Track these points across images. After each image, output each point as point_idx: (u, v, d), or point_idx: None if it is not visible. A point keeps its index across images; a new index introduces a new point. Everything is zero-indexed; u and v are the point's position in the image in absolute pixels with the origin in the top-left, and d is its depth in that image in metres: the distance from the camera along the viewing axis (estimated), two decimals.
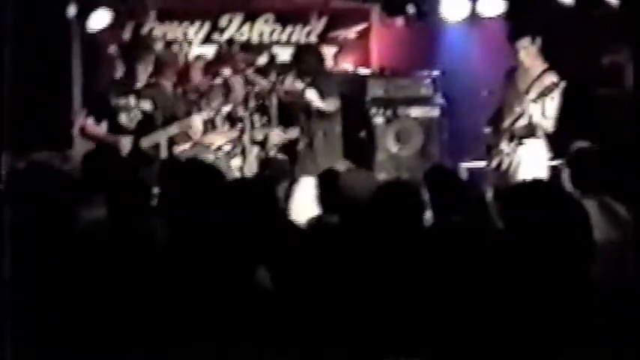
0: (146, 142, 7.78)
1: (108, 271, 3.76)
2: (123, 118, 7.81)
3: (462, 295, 3.21)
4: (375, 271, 3.65)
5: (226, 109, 8.68)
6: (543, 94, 7.27)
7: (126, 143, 7.64)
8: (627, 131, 8.28)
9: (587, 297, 3.10)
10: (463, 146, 9.52)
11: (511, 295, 3.12)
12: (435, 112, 9.73)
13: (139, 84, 7.90)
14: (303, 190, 7.56)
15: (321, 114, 8.43)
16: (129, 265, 3.77)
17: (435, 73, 9.85)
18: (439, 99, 9.75)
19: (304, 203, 6.89)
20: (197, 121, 8.31)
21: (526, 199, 3.29)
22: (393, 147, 9.62)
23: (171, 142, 8.14)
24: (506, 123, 7.55)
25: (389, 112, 9.65)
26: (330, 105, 8.42)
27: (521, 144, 7.47)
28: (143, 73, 7.93)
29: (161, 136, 7.89)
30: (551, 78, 7.40)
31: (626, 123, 8.45)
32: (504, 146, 7.54)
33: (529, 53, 7.56)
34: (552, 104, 7.35)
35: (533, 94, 7.35)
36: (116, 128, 7.74)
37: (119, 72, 8.77)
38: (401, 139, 9.65)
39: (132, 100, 7.86)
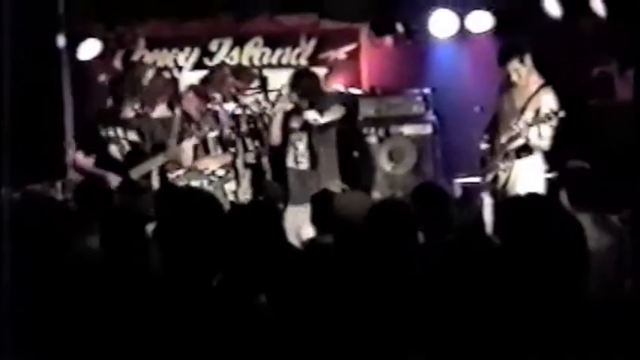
0: (135, 173, 7.80)
1: (102, 301, 3.75)
2: (113, 150, 7.84)
3: (457, 312, 3.21)
4: (370, 290, 3.65)
5: (214, 133, 8.64)
6: (541, 121, 7.27)
7: (113, 178, 7.66)
8: (619, 141, 8.31)
9: (583, 309, 3.10)
10: (456, 163, 9.53)
11: (507, 310, 3.12)
12: (427, 130, 9.73)
13: (126, 114, 7.95)
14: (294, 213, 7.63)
15: (322, 131, 8.38)
16: (123, 295, 3.77)
17: (426, 90, 9.86)
18: (431, 116, 9.76)
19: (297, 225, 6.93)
20: (187, 147, 8.31)
21: (521, 213, 3.29)
22: (387, 166, 9.62)
23: (163, 170, 8.15)
24: (503, 139, 7.55)
25: (381, 131, 9.65)
26: (331, 115, 8.40)
27: (519, 157, 7.47)
28: (129, 104, 7.97)
29: (150, 166, 7.91)
30: (547, 96, 7.40)
31: (618, 133, 8.49)
32: (500, 162, 7.54)
33: (520, 74, 7.57)
34: (549, 128, 7.35)
35: (529, 114, 7.35)
36: (105, 160, 7.77)
37: (110, 101, 8.82)
38: (394, 157, 9.64)
39: (119, 131, 7.90)
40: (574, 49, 8.98)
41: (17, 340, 3.61)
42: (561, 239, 3.20)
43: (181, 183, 8.45)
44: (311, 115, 8.34)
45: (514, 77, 7.58)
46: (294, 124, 8.46)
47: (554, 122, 7.24)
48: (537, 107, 7.35)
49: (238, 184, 8.69)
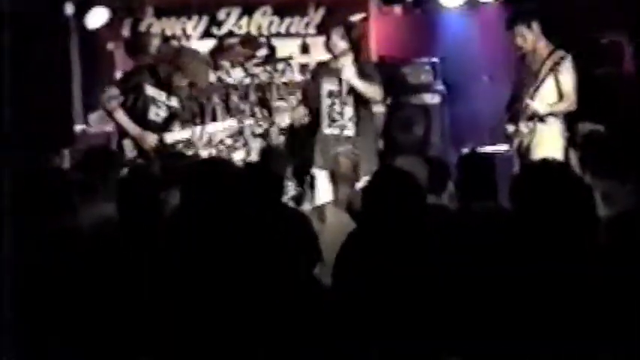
0: (170, 138, 7.82)
1: (118, 269, 3.76)
2: (152, 112, 7.84)
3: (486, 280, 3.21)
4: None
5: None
6: (552, 70, 7.29)
7: (151, 139, 7.68)
8: (629, 110, 8.28)
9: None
10: (465, 132, 9.51)
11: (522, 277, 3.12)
12: (436, 99, 9.71)
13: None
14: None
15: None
16: (139, 262, 3.77)
17: (435, 59, 9.83)
18: (440, 86, 9.73)
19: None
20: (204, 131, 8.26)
21: (533, 181, 3.29)
22: (396, 135, 9.59)
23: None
24: (525, 103, 7.54)
25: (390, 101, 9.61)
26: (377, 92, 7.78)
27: (541, 121, 7.44)
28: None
29: (182, 135, 7.92)
30: (558, 55, 7.41)
31: (626, 101, 8.45)
32: (523, 127, 7.51)
33: (526, 39, 7.55)
34: (566, 80, 7.36)
35: (543, 73, 7.37)
36: (143, 120, 7.76)
37: (118, 70, 8.80)
38: (403, 127, 9.63)
39: (163, 96, 7.89)
40: (583, 17, 8.92)
41: (24, 313, 3.61)
42: (571, 206, 3.20)
43: (189, 152, 8.45)
44: (348, 73, 7.58)
45: (519, 42, 7.56)
46: (334, 85, 7.78)
47: (565, 69, 7.28)
48: (553, 71, 7.37)
49: (247, 153, 8.68)
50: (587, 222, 3.21)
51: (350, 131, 7.69)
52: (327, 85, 7.76)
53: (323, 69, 7.97)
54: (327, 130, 7.77)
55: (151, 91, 7.85)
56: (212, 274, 3.61)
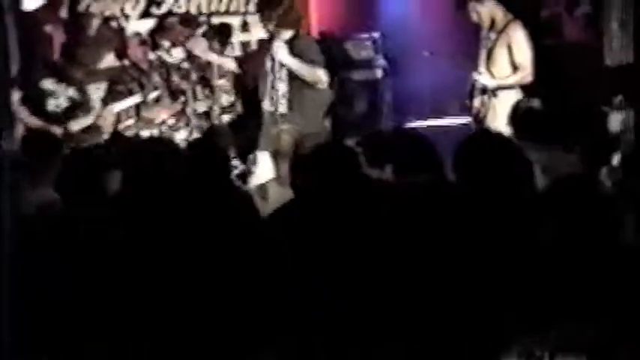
0: (75, 126, 7.85)
1: (61, 253, 3.73)
2: (50, 104, 7.87)
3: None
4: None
5: (155, 94, 8.59)
6: (503, 39, 7.35)
7: (55, 129, 7.68)
8: (568, 82, 8.37)
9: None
10: (407, 107, 9.55)
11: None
12: (377, 74, 9.73)
13: (79, 68, 7.94)
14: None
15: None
16: (82, 247, 3.75)
17: (376, 35, 9.84)
18: (381, 61, 9.75)
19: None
20: (110, 112, 8.26)
21: (472, 153, 3.33)
22: (339, 110, 9.59)
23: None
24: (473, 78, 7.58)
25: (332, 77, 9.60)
26: (321, 76, 7.52)
27: (494, 95, 7.46)
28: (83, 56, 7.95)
29: (84, 122, 7.96)
30: (517, 33, 7.42)
31: (566, 73, 8.54)
32: (476, 102, 7.55)
33: (481, 15, 7.55)
34: (519, 49, 7.38)
35: (501, 50, 7.40)
36: (41, 113, 7.82)
37: (57, 53, 8.72)
38: (345, 102, 9.63)
39: (62, 87, 7.91)
40: None
41: None
42: (507, 176, 3.24)
43: (130, 133, 8.41)
44: (281, 53, 7.43)
45: (475, 18, 7.59)
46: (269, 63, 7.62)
47: (516, 39, 7.35)
48: (507, 42, 7.40)
49: (190, 132, 8.66)
50: (523, 192, 3.26)
51: (283, 108, 7.62)
52: (270, 61, 7.71)
53: (264, 46, 7.93)
54: (265, 107, 7.73)
55: (47, 84, 7.90)
56: (158, 257, 3.60)
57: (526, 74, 7.41)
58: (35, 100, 7.88)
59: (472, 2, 7.56)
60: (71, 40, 8.96)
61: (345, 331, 3.27)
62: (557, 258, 3.07)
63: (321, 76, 7.50)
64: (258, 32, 9.33)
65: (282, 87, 7.56)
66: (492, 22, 7.55)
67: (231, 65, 8.12)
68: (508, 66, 7.43)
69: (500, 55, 7.44)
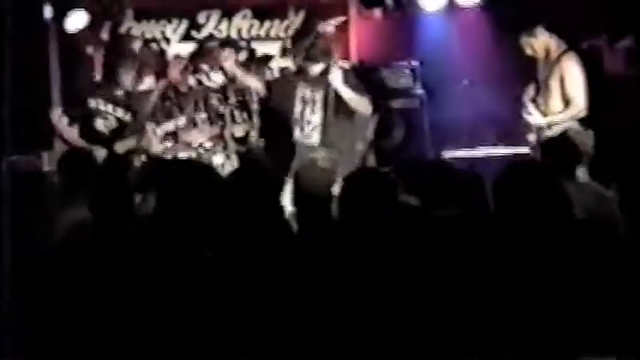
0: (121, 148, 7.83)
1: (93, 274, 3.74)
2: (99, 124, 7.86)
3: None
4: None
5: (202, 116, 8.59)
6: (556, 71, 7.33)
7: (99, 151, 7.68)
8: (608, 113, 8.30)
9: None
10: (445, 136, 9.52)
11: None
12: (415, 103, 9.71)
13: (121, 90, 7.94)
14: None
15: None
16: (113, 266, 3.76)
17: (414, 63, 9.84)
18: (419, 89, 9.74)
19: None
20: (155, 134, 8.23)
21: (509, 178, 3.31)
22: (376, 139, 9.58)
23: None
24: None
25: None
26: (367, 104, 7.64)
27: (550, 130, 7.38)
28: (126, 79, 7.94)
29: (131, 144, 7.94)
30: (569, 62, 7.37)
31: (607, 103, 8.48)
32: (532, 135, 7.51)
33: (534, 47, 7.55)
34: (571, 82, 7.32)
35: (555, 83, 7.35)
36: (90, 133, 7.81)
37: (98, 74, 8.78)
38: (383, 131, 9.61)
39: (109, 107, 7.91)
40: (562, 22, 8.95)
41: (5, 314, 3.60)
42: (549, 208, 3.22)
43: (168, 155, 8.44)
44: (334, 75, 7.45)
45: (528, 51, 7.58)
46: (308, 92, 7.74)
47: (569, 71, 7.34)
48: (560, 75, 7.35)
49: (227, 157, 8.67)
50: (562, 225, 3.23)
51: (315, 139, 7.68)
52: (302, 91, 7.73)
53: (299, 73, 7.95)
54: (296, 137, 7.79)
55: (95, 103, 7.90)
56: (193, 280, 3.60)
57: (578, 110, 7.29)
58: (84, 120, 7.88)
59: (525, 36, 7.54)
60: (112, 61, 9.01)
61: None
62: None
63: (368, 103, 7.53)
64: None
65: (316, 118, 7.60)
66: (547, 54, 7.52)
67: (256, 85, 8.13)
68: (561, 99, 7.34)
69: (555, 88, 7.37)
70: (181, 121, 8.44)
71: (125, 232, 4.08)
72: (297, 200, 4.73)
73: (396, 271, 3.46)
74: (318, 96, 7.64)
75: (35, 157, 8.52)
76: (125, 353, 3.49)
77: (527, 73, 7.86)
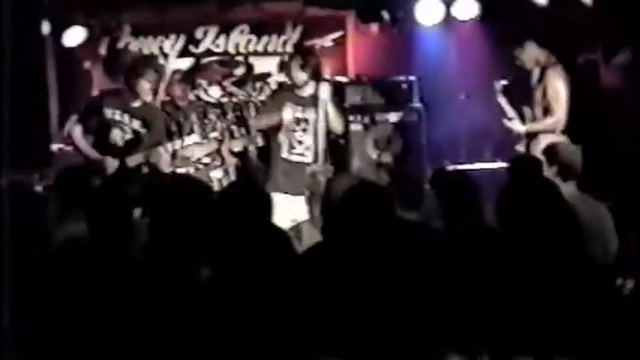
0: (132, 161, 7.78)
1: (89, 289, 3.74)
2: (115, 134, 7.82)
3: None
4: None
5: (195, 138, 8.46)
6: (540, 82, 7.39)
7: (110, 163, 7.65)
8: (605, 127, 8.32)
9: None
10: (442, 150, 9.53)
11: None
12: (412, 117, 9.72)
13: (139, 101, 7.88)
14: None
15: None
16: (109, 281, 3.75)
17: (412, 77, 9.85)
18: (416, 104, 9.75)
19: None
20: (165, 149, 8.16)
21: (512, 194, 3.32)
22: (372, 153, 9.59)
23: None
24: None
25: (367, 119, 9.62)
26: (341, 125, 7.85)
27: (536, 141, 7.43)
28: (146, 90, 7.87)
29: (142, 158, 7.86)
30: (554, 74, 7.46)
31: (604, 119, 8.50)
32: (521, 146, 7.57)
33: (523, 59, 7.65)
34: (553, 93, 7.39)
35: (539, 94, 7.44)
36: (104, 144, 7.76)
37: (96, 88, 8.78)
38: (380, 145, 9.62)
39: (126, 118, 7.87)
40: (559, 37, 8.97)
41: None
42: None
43: (167, 170, 8.43)
44: (324, 92, 7.62)
45: (518, 63, 7.69)
46: (296, 111, 7.79)
47: (553, 84, 7.39)
48: (544, 86, 7.44)
49: (225, 172, 8.67)
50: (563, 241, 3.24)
51: (307, 159, 7.70)
52: (290, 110, 7.73)
53: (287, 92, 7.98)
54: (284, 155, 7.79)
55: (111, 114, 7.84)
56: (191, 295, 3.60)
57: (555, 120, 7.39)
58: (99, 130, 7.83)
59: (515, 48, 7.64)
60: (109, 76, 9.02)
61: None
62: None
63: (341, 123, 7.62)
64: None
65: (308, 139, 7.62)
66: (537, 66, 7.62)
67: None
68: (542, 111, 7.45)
69: (538, 100, 7.47)
70: (192, 138, 8.31)
71: (123, 246, 4.08)
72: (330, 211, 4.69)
73: (394, 283, 3.47)
74: (310, 115, 7.66)
75: (33, 172, 8.51)
76: None
77: (525, 87, 7.90)
